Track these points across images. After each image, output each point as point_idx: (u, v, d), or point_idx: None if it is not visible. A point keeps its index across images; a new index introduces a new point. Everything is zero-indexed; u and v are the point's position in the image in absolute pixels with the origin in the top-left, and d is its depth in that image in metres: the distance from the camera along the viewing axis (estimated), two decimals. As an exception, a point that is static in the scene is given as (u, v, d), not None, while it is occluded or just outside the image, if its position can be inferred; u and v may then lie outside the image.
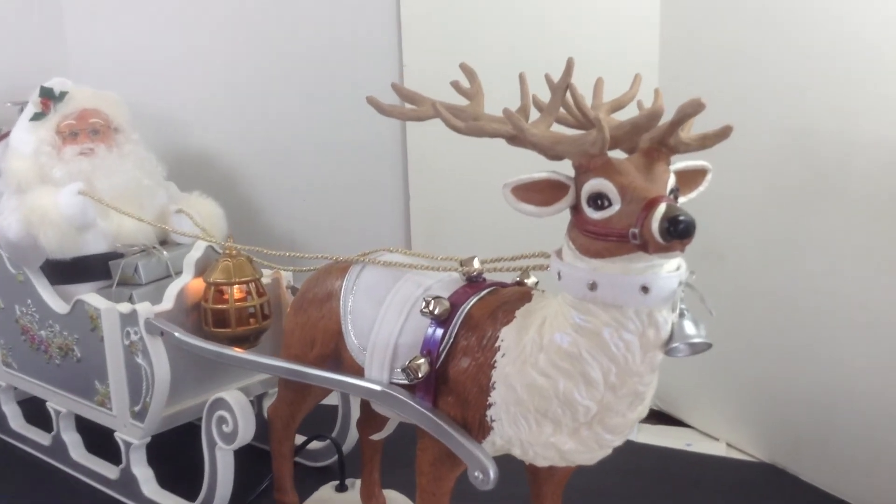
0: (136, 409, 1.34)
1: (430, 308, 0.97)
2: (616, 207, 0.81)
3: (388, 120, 1.76)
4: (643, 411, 0.92)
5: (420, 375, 0.96)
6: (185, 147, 1.86)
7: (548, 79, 0.91)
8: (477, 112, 0.94)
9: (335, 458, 1.48)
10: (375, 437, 1.20)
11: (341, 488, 1.38)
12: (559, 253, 0.90)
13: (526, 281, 1.05)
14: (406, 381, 0.99)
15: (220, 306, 1.34)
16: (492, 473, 0.92)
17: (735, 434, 1.60)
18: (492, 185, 1.74)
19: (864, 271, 1.32)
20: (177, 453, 1.46)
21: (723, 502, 1.43)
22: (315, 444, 1.47)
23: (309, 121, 1.83)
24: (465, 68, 0.98)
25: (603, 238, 0.82)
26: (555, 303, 0.92)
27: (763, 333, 1.50)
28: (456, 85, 0.99)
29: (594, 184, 0.82)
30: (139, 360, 1.31)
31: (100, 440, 1.54)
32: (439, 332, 0.98)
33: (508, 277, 1.07)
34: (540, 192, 0.84)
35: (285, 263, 1.39)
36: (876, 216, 1.29)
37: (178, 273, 1.47)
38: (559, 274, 0.88)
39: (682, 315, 0.86)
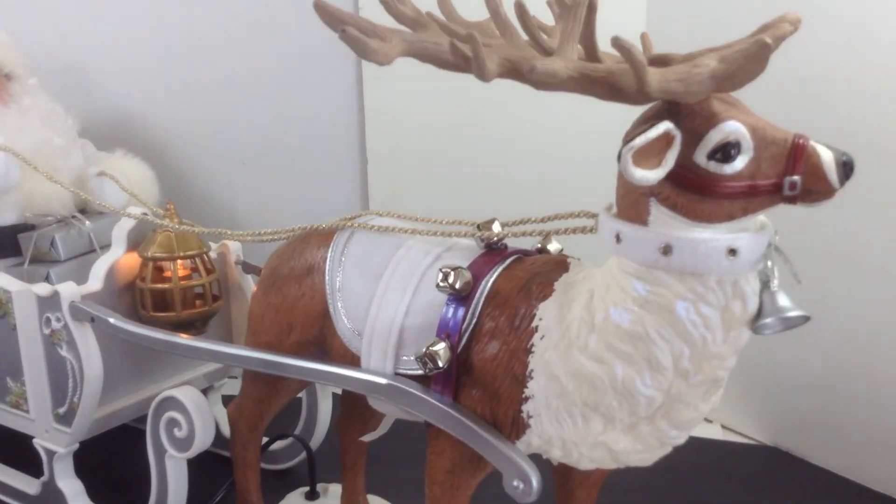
0: (61, 411, 1.11)
1: (450, 281, 0.79)
2: (748, 156, 0.65)
3: (340, 72, 1.58)
4: (716, 401, 0.76)
5: (441, 364, 0.78)
6: (97, 100, 1.60)
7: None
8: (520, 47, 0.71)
9: (299, 458, 1.29)
10: (367, 437, 1.01)
11: (312, 495, 1.19)
12: (613, 211, 0.73)
13: (548, 248, 0.88)
14: (420, 372, 0.81)
15: (161, 286, 1.12)
16: (534, 482, 0.75)
17: (732, 416, 1.48)
18: (459, 147, 1.59)
19: (870, 242, 1.22)
20: (109, 459, 1.23)
21: (727, 487, 1.30)
22: (276, 444, 1.26)
23: (249, 73, 1.60)
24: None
25: (744, 196, 0.66)
26: (601, 273, 0.75)
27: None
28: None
29: (727, 130, 0.65)
30: (63, 352, 1.08)
31: (11, 447, 1.30)
32: (460, 310, 0.80)
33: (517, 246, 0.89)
34: (649, 153, 0.66)
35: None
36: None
37: (104, 247, 1.24)
38: (618, 236, 0.71)
39: (770, 284, 0.70)
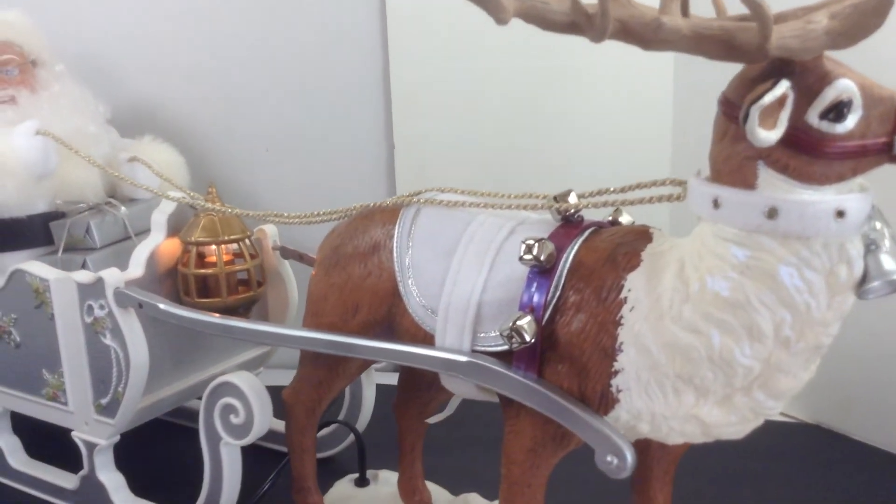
0: (104, 401, 1.07)
1: (535, 253, 0.76)
2: (858, 115, 0.63)
3: (366, 54, 1.55)
4: (814, 369, 0.74)
5: (528, 338, 0.75)
6: (115, 87, 1.55)
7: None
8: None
9: (342, 446, 1.26)
10: (432, 419, 0.98)
11: (362, 482, 1.16)
12: (706, 177, 0.71)
13: (620, 220, 0.86)
14: (500, 348, 0.78)
15: (206, 271, 1.09)
16: (629, 457, 0.73)
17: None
18: (489, 131, 1.57)
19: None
20: (143, 454, 1.20)
21: (770, 465, 1.29)
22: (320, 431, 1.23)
23: (272, 56, 1.56)
24: None
25: (855, 156, 0.64)
26: (690, 242, 0.73)
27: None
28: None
29: (841, 88, 0.63)
30: (107, 340, 1.04)
31: (38, 443, 1.26)
32: (543, 283, 0.77)
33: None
34: (766, 114, 0.63)
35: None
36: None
37: (139, 234, 1.21)
38: (715, 202, 0.69)
39: (873, 246, 0.68)
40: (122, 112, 1.47)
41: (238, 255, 1.13)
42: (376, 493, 1.14)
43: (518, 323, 0.75)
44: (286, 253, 1.20)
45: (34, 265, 1.10)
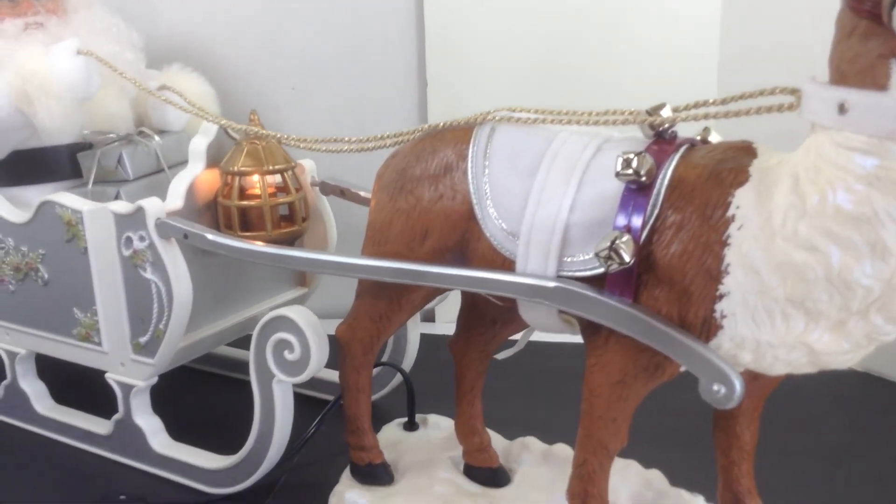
0: (143, 340, 1.01)
1: (634, 167, 0.70)
2: None
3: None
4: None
5: (628, 259, 0.70)
6: (135, 18, 1.47)
7: None
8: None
9: (387, 389, 1.21)
10: (502, 355, 0.93)
11: (411, 426, 1.11)
12: (826, 81, 0.65)
13: (709, 139, 0.80)
14: (598, 271, 0.73)
15: (250, 203, 1.02)
16: (737, 384, 0.68)
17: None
18: (526, 69, 1.50)
19: None
20: (174, 401, 1.14)
21: (824, 413, 1.25)
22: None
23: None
24: None
25: None
26: (802, 156, 0.67)
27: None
28: None
29: None
30: (147, 274, 0.98)
31: (59, 389, 1.20)
32: (640, 201, 0.72)
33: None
34: None
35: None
36: None
37: (171, 167, 1.14)
38: (841, 107, 0.63)
39: None
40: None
41: (280, 188, 1.06)
42: (426, 437, 1.09)
43: (618, 242, 0.69)
44: (326, 188, 1.14)
45: (65, 196, 1.03)
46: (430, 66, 1.48)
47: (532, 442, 1.03)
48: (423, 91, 1.51)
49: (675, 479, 0.96)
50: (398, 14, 1.48)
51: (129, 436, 1.07)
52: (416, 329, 1.18)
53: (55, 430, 1.16)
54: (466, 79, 1.48)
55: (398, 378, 1.20)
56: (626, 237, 0.70)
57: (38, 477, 1.08)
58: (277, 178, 1.05)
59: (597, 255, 0.71)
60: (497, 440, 1.03)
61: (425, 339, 1.20)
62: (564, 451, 1.00)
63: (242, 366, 1.31)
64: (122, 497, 0.97)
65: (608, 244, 0.70)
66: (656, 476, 0.95)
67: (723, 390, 0.68)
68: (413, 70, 1.51)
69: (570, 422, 1.14)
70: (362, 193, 1.09)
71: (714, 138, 0.80)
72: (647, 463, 0.97)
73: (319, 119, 1.54)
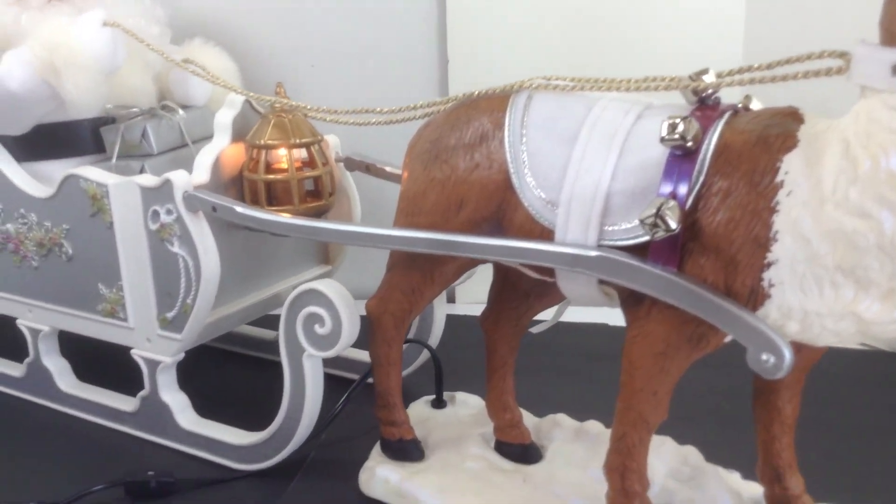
0: (170, 315, 1.00)
1: (681, 131, 0.69)
2: None
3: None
4: None
5: (674, 226, 0.68)
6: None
7: None
8: None
9: (412, 367, 1.20)
10: (537, 329, 0.92)
11: (439, 403, 1.10)
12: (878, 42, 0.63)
13: (751, 107, 0.78)
14: (641, 240, 0.71)
15: (276, 177, 1.01)
16: (787, 354, 0.66)
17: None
18: (551, 45, 1.48)
19: None
20: (198, 379, 1.13)
21: (851, 393, 1.23)
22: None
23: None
24: None
25: None
26: (851, 121, 0.66)
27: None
28: None
29: None
30: (174, 248, 0.96)
31: (80, 366, 1.20)
32: (685, 167, 0.70)
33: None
34: None
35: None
36: None
37: (195, 142, 1.13)
38: (895, 68, 0.61)
39: None
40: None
41: (306, 162, 1.05)
42: (455, 414, 1.08)
43: (664, 209, 0.68)
44: (351, 164, 1.12)
45: (90, 170, 1.02)
46: (451, 42, 1.47)
47: (563, 419, 1.02)
48: (444, 68, 1.49)
49: (709, 456, 0.94)
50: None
51: (155, 412, 1.06)
52: (442, 308, 1.16)
53: (79, 407, 1.16)
54: (488, 55, 1.46)
55: (423, 357, 1.19)
56: (671, 203, 0.68)
57: (64, 455, 1.07)
58: (303, 152, 1.04)
59: (641, 222, 0.69)
60: (527, 417, 1.02)
61: (447, 319, 1.19)
62: (597, 428, 0.99)
63: (262, 344, 1.31)
64: (151, 473, 0.96)
65: (654, 211, 0.68)
66: (692, 452, 0.94)
67: (772, 360, 0.67)
68: (434, 46, 1.49)
69: (598, 400, 1.14)
70: (388, 168, 1.08)
71: (755, 106, 0.79)
72: (680, 440, 0.95)
73: (339, 97, 1.51)
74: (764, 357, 0.67)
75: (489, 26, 1.46)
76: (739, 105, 0.78)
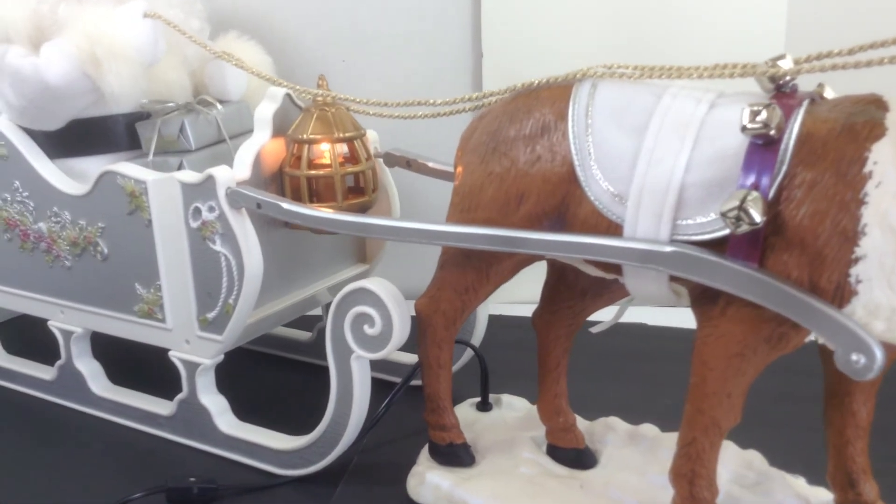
0: (210, 315, 0.97)
1: (764, 119, 0.65)
2: None
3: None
4: None
5: (758, 220, 0.65)
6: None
7: None
8: None
9: (455, 368, 1.17)
10: (598, 328, 0.88)
11: (484, 406, 1.06)
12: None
13: (825, 95, 0.75)
14: (720, 234, 0.68)
15: (319, 172, 0.97)
16: (878, 354, 0.63)
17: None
18: (587, 38, 1.44)
19: None
20: (232, 381, 1.09)
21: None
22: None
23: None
24: None
25: None
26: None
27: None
28: None
29: None
30: (216, 246, 0.93)
31: (111, 369, 1.17)
32: (767, 157, 0.66)
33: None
34: None
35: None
36: None
37: (232, 138, 1.10)
38: None
39: None
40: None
41: (347, 157, 1.01)
42: (502, 417, 1.04)
43: (748, 201, 0.64)
44: (391, 159, 1.09)
45: (127, 166, 0.99)
46: (486, 36, 1.43)
47: (616, 422, 0.99)
48: (479, 62, 1.45)
49: (772, 460, 0.91)
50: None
51: (193, 416, 1.03)
52: (485, 308, 1.13)
53: (113, 411, 1.13)
54: (522, 48, 1.43)
55: (465, 358, 1.16)
56: (755, 195, 0.65)
57: (99, 461, 1.04)
58: (344, 147, 1.00)
59: (723, 215, 0.66)
60: (577, 421, 0.98)
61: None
62: (652, 432, 0.96)
63: (297, 345, 1.28)
64: (192, 479, 0.92)
65: (737, 203, 0.65)
66: (756, 457, 0.90)
67: (862, 360, 0.63)
68: (468, 41, 1.46)
69: (644, 402, 1.10)
70: (430, 164, 1.05)
71: (829, 94, 0.75)
72: (742, 443, 0.92)
73: (370, 92, 1.46)
74: (854, 357, 0.63)
75: (524, 19, 1.42)
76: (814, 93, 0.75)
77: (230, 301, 0.94)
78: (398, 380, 1.09)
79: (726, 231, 0.67)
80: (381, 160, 1.09)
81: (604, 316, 0.88)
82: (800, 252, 0.66)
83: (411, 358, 1.14)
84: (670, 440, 0.92)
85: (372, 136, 1.10)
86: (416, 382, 1.01)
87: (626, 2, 1.39)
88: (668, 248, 0.69)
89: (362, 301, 0.86)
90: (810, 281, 0.66)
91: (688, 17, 1.38)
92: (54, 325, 1.13)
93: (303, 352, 1.28)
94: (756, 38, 1.36)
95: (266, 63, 1.20)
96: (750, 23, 1.37)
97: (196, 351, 1.00)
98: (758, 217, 0.65)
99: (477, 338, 1.14)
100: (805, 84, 0.73)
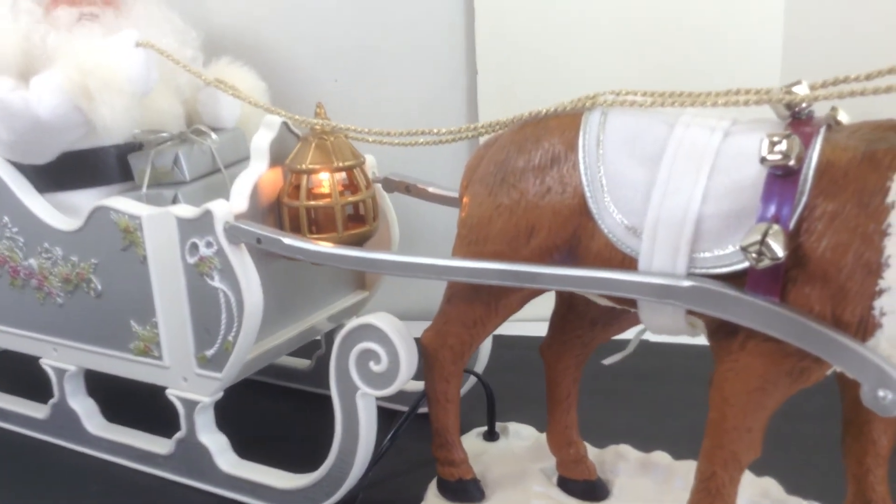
0: (209, 353, 0.94)
1: (782, 149, 0.63)
2: None
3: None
4: None
5: (780, 254, 0.63)
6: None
7: None
8: None
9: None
10: (609, 360, 0.86)
11: (491, 436, 1.04)
12: None
13: (839, 119, 0.73)
14: (738, 267, 0.66)
15: (319, 203, 0.95)
16: (906, 390, 0.61)
17: None
18: (582, 55, 1.43)
19: None
20: (231, 413, 1.07)
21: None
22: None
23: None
24: None
25: None
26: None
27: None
28: None
29: None
30: (214, 282, 0.91)
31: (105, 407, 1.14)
32: (786, 188, 0.65)
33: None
34: None
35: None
36: None
37: (227, 167, 1.07)
38: None
39: None
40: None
41: (346, 185, 0.99)
42: (510, 448, 1.02)
43: (770, 234, 0.62)
44: (390, 185, 1.06)
45: (121, 201, 0.96)
46: (480, 53, 1.41)
47: (627, 450, 0.97)
48: (473, 79, 1.44)
49: (789, 488, 0.89)
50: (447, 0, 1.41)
51: (192, 455, 1.00)
52: (488, 338, 1.10)
53: (109, 450, 1.10)
54: (518, 66, 1.41)
55: (468, 384, 1.14)
56: (776, 228, 0.63)
57: (98, 502, 1.01)
58: (343, 175, 0.98)
59: (744, 249, 0.64)
60: (587, 449, 0.96)
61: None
62: (665, 460, 0.94)
63: (296, 374, 1.26)
64: (195, 522, 0.90)
65: (758, 238, 0.63)
66: (772, 485, 0.88)
67: (889, 396, 0.61)
68: (462, 58, 1.44)
69: (653, 424, 1.08)
70: (430, 189, 1.02)
71: (843, 118, 0.74)
72: (757, 471, 0.90)
73: (364, 112, 1.47)
74: (881, 394, 0.62)
75: (518, 36, 1.40)
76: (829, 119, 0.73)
77: (229, 338, 0.92)
78: (402, 408, 1.07)
79: (746, 264, 0.65)
80: (378, 185, 1.07)
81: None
82: (822, 285, 0.64)
83: (415, 385, 1.12)
84: (683, 468, 0.91)
85: (370, 161, 1.07)
86: (421, 410, 0.99)
87: (620, 20, 1.38)
88: (687, 283, 0.67)
89: (367, 337, 0.84)
90: (833, 314, 0.64)
91: (683, 37, 1.37)
92: (47, 363, 1.10)
93: (302, 380, 1.25)
94: (752, 55, 1.35)
95: (260, 88, 1.17)
96: (746, 41, 1.35)
97: (194, 389, 0.97)
98: (780, 251, 0.63)
99: (481, 365, 1.11)
100: (817, 107, 0.72)
